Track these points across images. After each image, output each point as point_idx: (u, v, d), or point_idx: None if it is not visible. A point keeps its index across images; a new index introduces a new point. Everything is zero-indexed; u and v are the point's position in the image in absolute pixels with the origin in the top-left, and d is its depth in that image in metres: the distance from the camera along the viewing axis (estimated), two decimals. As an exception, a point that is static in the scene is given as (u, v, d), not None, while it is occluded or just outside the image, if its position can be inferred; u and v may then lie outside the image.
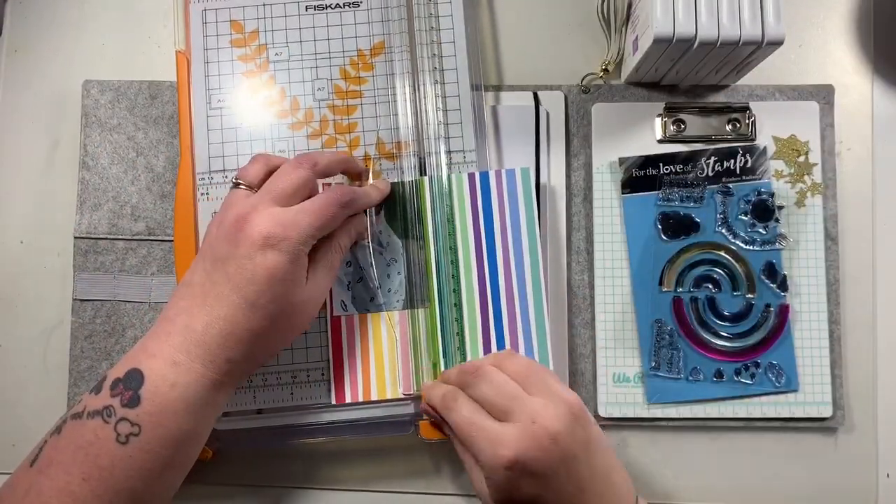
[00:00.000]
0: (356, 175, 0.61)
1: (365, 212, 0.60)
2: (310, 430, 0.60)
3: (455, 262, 0.59)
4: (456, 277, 0.59)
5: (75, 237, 0.65)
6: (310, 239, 0.52)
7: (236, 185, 0.54)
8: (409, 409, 0.60)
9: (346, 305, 0.59)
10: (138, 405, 0.48)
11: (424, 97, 0.61)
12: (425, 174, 0.61)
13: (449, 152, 0.61)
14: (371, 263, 0.60)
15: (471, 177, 0.60)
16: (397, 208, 0.60)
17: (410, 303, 0.60)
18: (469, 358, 0.59)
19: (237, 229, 0.51)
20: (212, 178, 0.61)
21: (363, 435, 0.61)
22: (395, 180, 0.60)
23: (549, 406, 0.50)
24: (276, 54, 0.62)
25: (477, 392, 0.53)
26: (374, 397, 0.59)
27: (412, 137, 0.61)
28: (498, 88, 0.66)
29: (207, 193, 0.61)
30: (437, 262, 0.59)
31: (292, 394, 0.60)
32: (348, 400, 0.59)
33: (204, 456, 0.59)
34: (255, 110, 0.62)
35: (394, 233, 0.60)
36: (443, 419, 0.54)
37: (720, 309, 0.63)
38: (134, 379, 0.49)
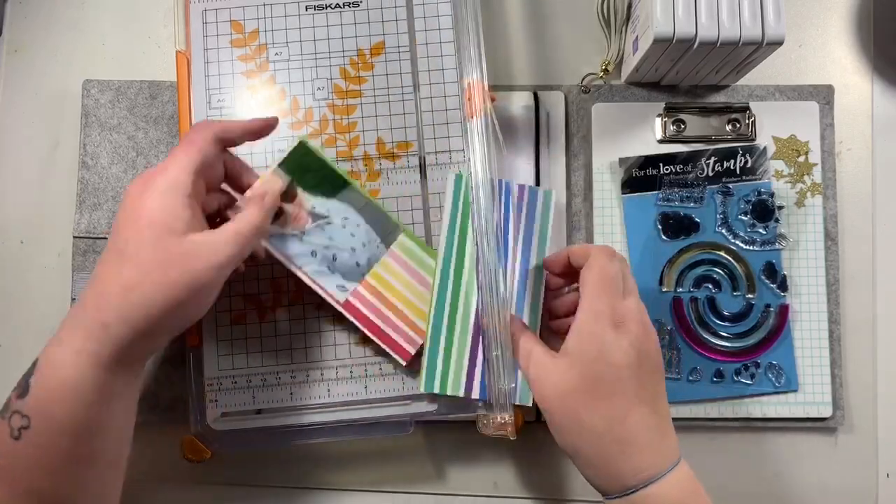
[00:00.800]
0: (261, 131, 0.56)
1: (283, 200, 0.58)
2: (309, 431, 0.60)
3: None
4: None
5: (74, 237, 0.65)
6: (178, 174, 0.48)
7: None
8: (408, 409, 0.60)
9: (343, 287, 0.59)
10: (27, 394, 0.45)
11: (424, 97, 0.61)
12: (425, 175, 0.61)
13: (449, 152, 0.61)
14: (329, 237, 0.59)
15: (497, 183, 0.59)
16: (308, 175, 0.59)
17: (386, 242, 0.59)
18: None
19: (124, 194, 0.49)
20: (212, 178, 0.61)
21: (362, 435, 0.61)
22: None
23: (643, 312, 0.52)
24: (276, 54, 0.62)
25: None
26: (425, 337, 0.58)
27: (412, 137, 0.61)
28: (498, 88, 0.66)
29: (207, 193, 0.61)
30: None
31: (292, 394, 0.59)
32: (414, 353, 0.58)
33: (202, 456, 0.59)
34: (255, 110, 0.62)
35: (323, 197, 0.59)
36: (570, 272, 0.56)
37: (720, 309, 0.63)
38: (30, 369, 0.47)
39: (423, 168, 0.61)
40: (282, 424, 0.59)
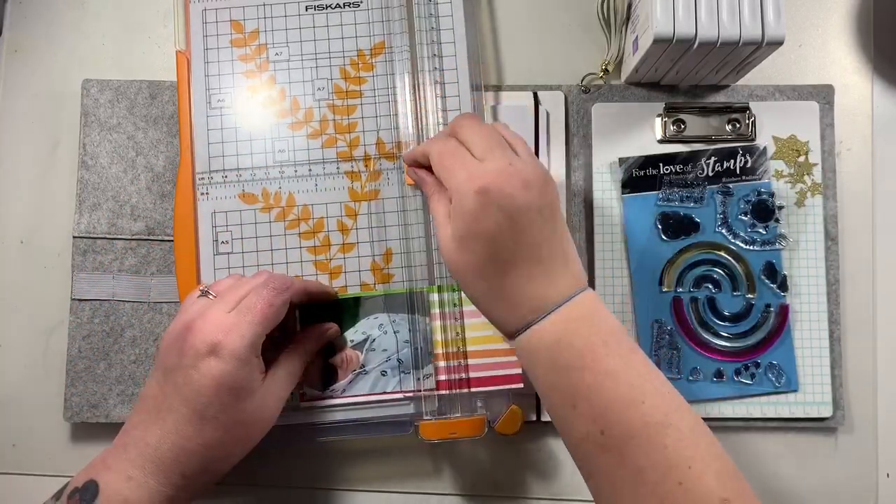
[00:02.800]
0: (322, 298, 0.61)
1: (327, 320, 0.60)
2: (309, 430, 0.60)
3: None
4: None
5: (74, 237, 0.65)
6: (254, 340, 0.51)
7: (202, 293, 0.54)
8: (409, 408, 0.60)
9: (427, 374, 0.60)
10: None
11: (424, 97, 0.61)
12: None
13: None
14: (383, 349, 0.61)
15: None
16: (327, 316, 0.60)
17: (420, 312, 0.61)
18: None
19: (182, 338, 0.50)
20: (212, 178, 0.61)
21: (363, 435, 0.61)
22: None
23: (528, 161, 0.51)
24: (277, 54, 0.62)
25: (464, 134, 0.52)
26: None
27: (412, 137, 0.61)
28: (498, 88, 0.66)
29: (207, 193, 0.61)
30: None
31: (292, 394, 0.59)
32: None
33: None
34: (255, 110, 0.62)
35: (352, 325, 0.61)
36: (418, 164, 0.56)
37: (720, 309, 0.63)
38: (89, 490, 0.49)
39: (423, 168, 0.61)
40: (282, 424, 0.59)
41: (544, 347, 0.49)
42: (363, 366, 0.60)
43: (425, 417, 0.59)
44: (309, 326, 0.59)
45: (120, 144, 0.65)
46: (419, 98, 0.61)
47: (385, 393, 0.59)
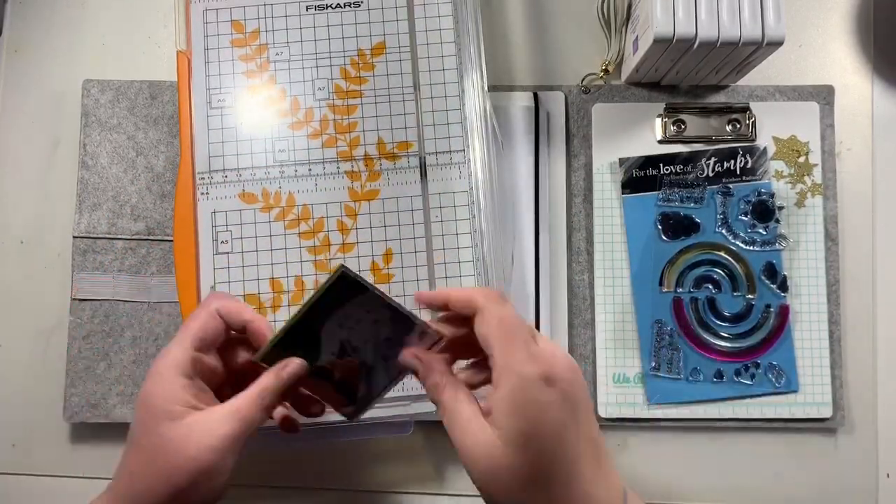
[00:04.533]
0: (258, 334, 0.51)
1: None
2: (309, 431, 0.60)
3: None
4: None
5: (74, 237, 0.65)
6: (176, 355, 0.47)
7: None
8: (409, 409, 0.60)
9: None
10: None
11: (425, 97, 0.61)
12: (426, 175, 0.61)
13: (449, 152, 0.61)
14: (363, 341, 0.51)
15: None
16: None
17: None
18: None
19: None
20: (212, 178, 0.61)
21: (363, 435, 0.61)
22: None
23: (559, 349, 0.45)
24: (277, 54, 0.62)
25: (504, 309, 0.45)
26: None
27: (412, 137, 0.61)
28: (498, 88, 0.66)
29: (207, 193, 0.61)
30: None
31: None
32: None
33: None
34: (255, 110, 0.62)
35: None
36: (461, 317, 0.47)
37: (720, 309, 0.63)
38: None
39: (423, 168, 0.61)
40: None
41: None
42: (363, 363, 0.51)
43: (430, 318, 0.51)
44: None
45: (120, 144, 0.65)
46: (419, 98, 0.61)
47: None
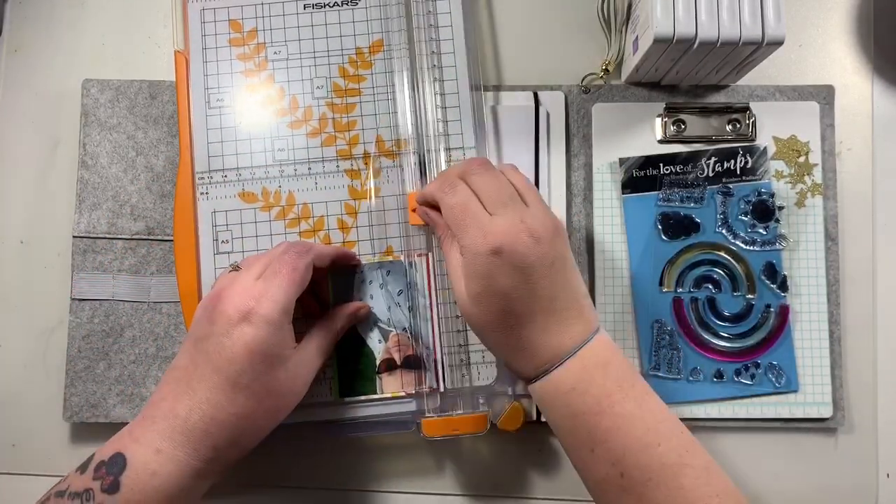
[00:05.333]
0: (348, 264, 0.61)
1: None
2: (311, 429, 0.60)
3: None
4: None
5: (74, 236, 0.65)
6: (285, 304, 0.51)
7: (232, 268, 0.55)
8: (411, 406, 0.60)
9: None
10: (118, 492, 0.47)
11: (424, 95, 0.61)
12: (425, 173, 0.61)
13: (448, 150, 0.61)
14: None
15: None
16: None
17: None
18: None
19: (213, 307, 0.51)
20: (211, 178, 0.61)
21: (365, 433, 0.61)
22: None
23: (538, 213, 0.52)
24: (275, 53, 0.62)
25: (477, 183, 0.53)
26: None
27: (411, 135, 0.61)
28: (498, 88, 0.66)
29: (207, 193, 0.61)
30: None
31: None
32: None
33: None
34: (254, 109, 0.62)
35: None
36: (431, 206, 0.57)
37: (720, 309, 0.63)
38: (116, 464, 0.48)
39: (422, 166, 0.61)
40: (284, 423, 0.59)
41: (561, 394, 0.50)
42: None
43: (427, 415, 0.59)
44: (342, 304, 0.60)
45: (120, 144, 0.65)
46: (418, 96, 0.61)
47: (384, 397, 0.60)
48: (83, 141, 0.65)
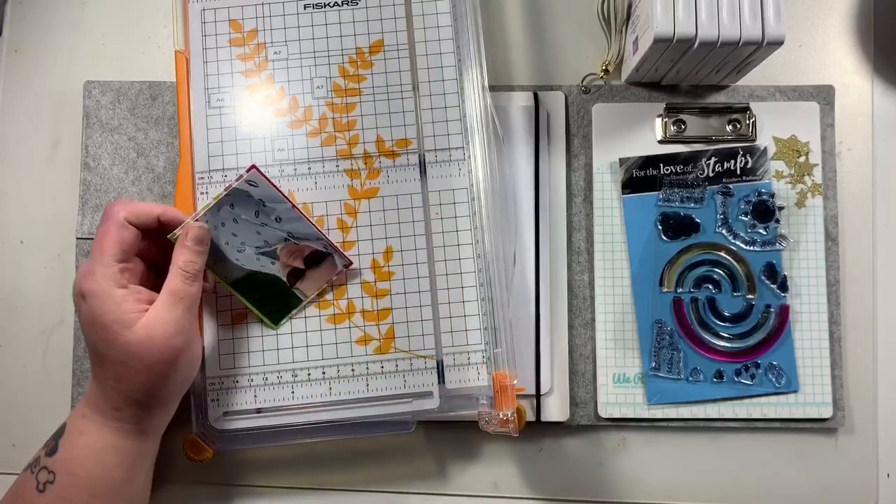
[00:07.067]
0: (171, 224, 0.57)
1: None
2: (311, 430, 0.60)
3: None
4: None
5: (77, 238, 0.65)
6: (103, 273, 0.52)
7: None
8: (410, 407, 0.60)
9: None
10: (56, 453, 0.53)
11: (423, 94, 0.61)
12: (425, 173, 0.61)
13: (449, 150, 0.61)
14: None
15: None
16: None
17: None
18: None
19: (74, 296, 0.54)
20: (211, 178, 0.61)
21: (364, 434, 0.61)
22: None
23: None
24: (275, 53, 0.62)
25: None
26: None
27: (412, 135, 0.61)
28: (498, 88, 0.66)
29: (207, 193, 0.61)
30: None
31: (293, 392, 0.59)
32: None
33: (205, 455, 0.59)
34: (254, 109, 0.62)
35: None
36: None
37: (720, 309, 0.63)
38: (59, 431, 0.54)
39: (422, 166, 0.61)
40: (283, 423, 0.59)
41: None
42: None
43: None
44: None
45: (121, 146, 0.66)
46: (418, 96, 0.61)
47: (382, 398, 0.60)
48: (85, 143, 0.65)
